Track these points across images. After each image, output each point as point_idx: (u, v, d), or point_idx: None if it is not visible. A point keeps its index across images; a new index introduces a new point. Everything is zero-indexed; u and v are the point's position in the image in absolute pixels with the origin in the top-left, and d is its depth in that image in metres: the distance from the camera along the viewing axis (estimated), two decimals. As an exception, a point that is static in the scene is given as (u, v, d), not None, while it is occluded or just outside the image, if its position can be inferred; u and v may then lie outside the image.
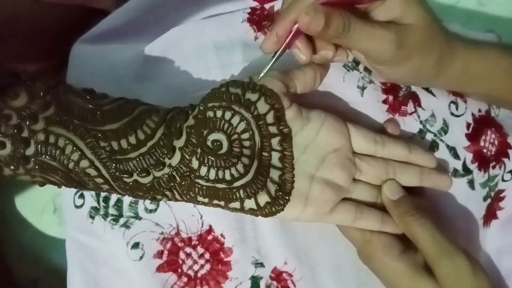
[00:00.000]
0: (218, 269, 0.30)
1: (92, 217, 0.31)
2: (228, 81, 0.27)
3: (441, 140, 0.33)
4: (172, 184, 0.25)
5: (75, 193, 0.32)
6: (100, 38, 0.35)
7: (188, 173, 0.25)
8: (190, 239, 0.30)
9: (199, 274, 0.30)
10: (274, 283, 0.30)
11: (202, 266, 0.30)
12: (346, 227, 0.29)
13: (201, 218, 0.30)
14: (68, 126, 0.25)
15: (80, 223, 0.31)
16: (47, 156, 0.25)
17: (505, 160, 0.34)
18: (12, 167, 0.25)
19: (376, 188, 0.29)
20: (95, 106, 0.26)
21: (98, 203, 0.31)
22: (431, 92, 0.33)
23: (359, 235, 0.28)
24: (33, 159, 0.25)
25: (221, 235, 0.30)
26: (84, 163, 0.25)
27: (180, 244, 0.30)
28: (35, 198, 0.46)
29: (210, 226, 0.30)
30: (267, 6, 0.35)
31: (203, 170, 0.25)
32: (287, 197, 0.26)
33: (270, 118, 0.26)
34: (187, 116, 0.26)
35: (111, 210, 0.30)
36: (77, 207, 0.31)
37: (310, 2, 0.23)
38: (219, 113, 0.25)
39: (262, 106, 0.26)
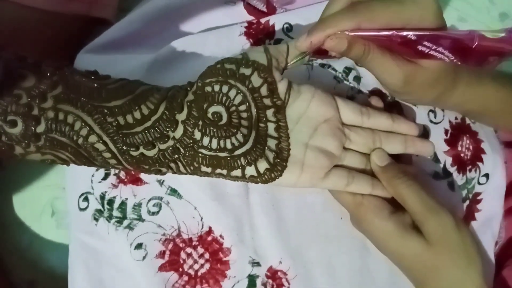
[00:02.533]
0: (217, 268, 0.31)
1: (96, 219, 0.32)
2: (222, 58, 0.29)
3: None
4: (176, 156, 0.27)
5: (79, 196, 0.33)
6: (104, 48, 0.37)
7: (191, 144, 0.27)
8: (190, 240, 0.31)
9: (199, 273, 0.31)
10: (270, 281, 0.32)
11: (202, 266, 0.31)
12: (339, 192, 0.31)
13: (201, 220, 0.31)
14: (76, 103, 0.26)
15: (84, 225, 0.33)
16: (57, 133, 0.26)
17: (480, 164, 0.37)
18: (23, 145, 0.26)
19: (365, 156, 0.31)
20: (100, 85, 0.27)
21: (103, 206, 0.32)
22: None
23: (351, 198, 0.30)
24: (43, 136, 0.26)
25: (220, 236, 0.31)
26: (92, 138, 0.26)
27: (181, 245, 0.31)
28: (33, 201, 0.47)
29: (210, 228, 0.31)
30: (262, 20, 0.37)
31: (206, 140, 0.26)
32: (284, 163, 0.27)
33: (264, 91, 0.27)
34: (187, 92, 0.28)
35: (115, 213, 0.32)
36: (81, 209, 0.33)
37: (346, 25, 0.25)
38: (216, 87, 0.27)
39: (256, 80, 0.27)
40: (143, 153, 0.27)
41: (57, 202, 0.46)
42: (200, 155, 0.27)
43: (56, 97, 0.26)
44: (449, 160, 0.35)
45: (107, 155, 0.27)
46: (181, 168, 0.27)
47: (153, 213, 0.32)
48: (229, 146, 0.27)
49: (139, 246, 0.31)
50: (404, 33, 0.24)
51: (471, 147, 0.36)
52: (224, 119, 0.27)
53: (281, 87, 0.28)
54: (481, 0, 0.59)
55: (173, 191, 0.32)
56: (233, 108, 0.27)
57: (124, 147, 0.26)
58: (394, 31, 0.24)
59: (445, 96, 0.30)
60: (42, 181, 0.47)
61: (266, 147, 0.27)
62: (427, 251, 0.28)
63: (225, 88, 0.27)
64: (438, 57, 0.25)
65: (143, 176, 0.32)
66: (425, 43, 0.24)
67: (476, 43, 0.23)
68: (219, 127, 0.27)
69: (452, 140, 0.36)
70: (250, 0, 0.40)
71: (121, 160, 0.27)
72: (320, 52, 0.28)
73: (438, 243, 0.28)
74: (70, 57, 0.38)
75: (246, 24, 0.36)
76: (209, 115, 0.27)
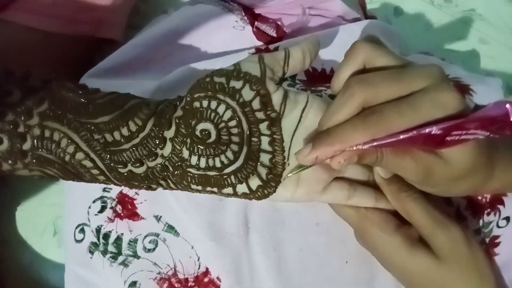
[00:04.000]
0: (213, 311, 0.30)
1: (92, 252, 0.31)
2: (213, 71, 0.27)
3: None
4: (165, 173, 0.26)
5: (76, 227, 0.32)
6: (107, 73, 0.36)
7: (179, 163, 0.26)
8: (186, 280, 0.30)
9: (194, 315, 0.30)
10: (269, 325, 0.30)
11: (197, 308, 0.30)
12: (341, 206, 0.29)
13: (198, 259, 0.30)
14: (62, 120, 0.26)
15: (80, 257, 0.32)
16: (43, 150, 0.25)
17: (500, 207, 0.35)
18: (10, 162, 0.26)
19: (367, 167, 0.30)
20: (88, 100, 0.26)
21: (98, 239, 0.31)
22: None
23: (354, 212, 0.29)
24: (30, 153, 0.25)
25: (217, 278, 0.30)
26: (79, 155, 0.26)
27: (177, 285, 0.30)
28: (36, 220, 0.47)
29: (207, 268, 0.30)
30: (271, 46, 0.36)
31: (194, 159, 0.26)
32: (278, 179, 0.26)
33: (256, 104, 0.26)
34: (176, 107, 0.27)
35: (110, 248, 0.31)
36: (77, 241, 0.32)
37: (358, 139, 0.22)
38: (205, 103, 0.26)
39: (247, 93, 0.26)
40: (131, 170, 0.26)
41: (60, 221, 0.46)
42: (189, 174, 0.26)
43: (42, 113, 0.26)
44: (463, 203, 0.33)
45: (95, 171, 0.26)
46: (171, 185, 0.27)
47: (149, 250, 0.30)
48: (218, 164, 0.26)
49: (133, 284, 0.30)
50: (427, 130, 0.21)
51: (490, 189, 0.34)
52: (213, 136, 0.26)
53: (276, 98, 0.26)
54: (503, 21, 0.56)
55: (170, 228, 0.30)
56: (222, 124, 0.26)
57: (112, 164, 0.26)
58: (414, 131, 0.21)
59: (480, 187, 0.27)
60: (45, 200, 0.47)
61: (259, 163, 0.26)
62: (436, 266, 0.27)
63: (213, 104, 0.26)
64: (471, 139, 0.22)
65: (140, 211, 0.31)
66: (453, 133, 0.21)
67: None
68: (208, 145, 0.25)
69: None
70: (259, 25, 0.39)
71: (109, 176, 0.26)
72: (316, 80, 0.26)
73: (448, 258, 0.27)
74: (78, 77, 0.37)
75: (253, 51, 0.35)
76: (197, 133, 0.26)
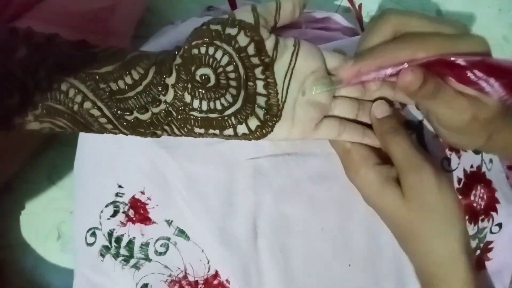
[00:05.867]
0: (222, 313, 0.31)
1: (103, 256, 0.32)
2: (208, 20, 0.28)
3: None
4: (169, 118, 0.27)
5: (87, 231, 0.33)
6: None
7: (182, 107, 0.27)
8: (196, 282, 0.31)
9: (204, 317, 0.31)
10: (275, 327, 0.31)
11: (207, 309, 0.31)
12: (334, 141, 0.31)
13: (208, 263, 0.31)
14: (68, 72, 0.27)
15: (90, 260, 0.33)
16: (53, 100, 0.26)
17: (493, 213, 0.36)
18: (21, 114, 0.26)
19: (356, 101, 0.31)
20: (90, 53, 0.28)
21: (110, 243, 0.32)
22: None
23: (340, 145, 0.30)
24: (40, 105, 0.26)
25: (227, 280, 0.31)
26: (87, 104, 0.27)
27: (187, 287, 0.31)
28: (40, 224, 0.47)
29: (216, 271, 0.31)
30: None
31: (196, 103, 0.27)
32: (275, 119, 0.28)
33: (251, 50, 0.27)
34: (175, 56, 0.28)
35: (122, 251, 0.32)
36: (88, 244, 0.33)
37: (401, 54, 0.25)
38: (203, 49, 0.27)
39: (243, 39, 0.27)
40: (137, 117, 0.27)
41: (63, 226, 0.47)
42: (192, 117, 0.27)
43: (49, 67, 0.26)
44: (460, 209, 0.35)
45: (102, 120, 0.27)
46: (175, 130, 0.28)
47: (160, 254, 0.31)
48: (219, 107, 0.27)
49: (144, 286, 0.31)
50: (452, 58, 0.23)
51: (485, 197, 0.36)
52: (212, 80, 0.27)
53: (269, 44, 0.28)
54: (493, 37, 0.59)
55: (181, 232, 0.31)
56: (221, 69, 0.27)
57: (119, 112, 0.27)
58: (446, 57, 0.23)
59: (494, 137, 0.28)
60: (50, 205, 0.47)
61: (256, 105, 0.28)
62: (402, 205, 0.28)
63: (211, 50, 0.27)
64: (486, 90, 0.23)
65: (151, 215, 0.32)
66: (475, 71, 0.23)
67: None
68: (208, 89, 0.27)
69: (464, 190, 0.35)
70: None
71: (117, 124, 0.27)
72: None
73: (413, 200, 0.28)
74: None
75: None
76: (197, 78, 0.27)
